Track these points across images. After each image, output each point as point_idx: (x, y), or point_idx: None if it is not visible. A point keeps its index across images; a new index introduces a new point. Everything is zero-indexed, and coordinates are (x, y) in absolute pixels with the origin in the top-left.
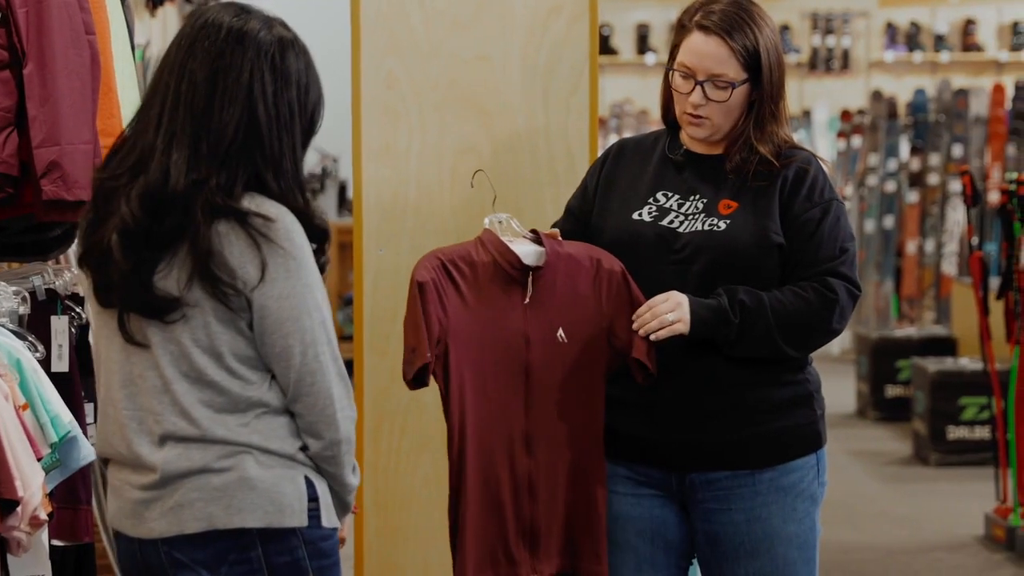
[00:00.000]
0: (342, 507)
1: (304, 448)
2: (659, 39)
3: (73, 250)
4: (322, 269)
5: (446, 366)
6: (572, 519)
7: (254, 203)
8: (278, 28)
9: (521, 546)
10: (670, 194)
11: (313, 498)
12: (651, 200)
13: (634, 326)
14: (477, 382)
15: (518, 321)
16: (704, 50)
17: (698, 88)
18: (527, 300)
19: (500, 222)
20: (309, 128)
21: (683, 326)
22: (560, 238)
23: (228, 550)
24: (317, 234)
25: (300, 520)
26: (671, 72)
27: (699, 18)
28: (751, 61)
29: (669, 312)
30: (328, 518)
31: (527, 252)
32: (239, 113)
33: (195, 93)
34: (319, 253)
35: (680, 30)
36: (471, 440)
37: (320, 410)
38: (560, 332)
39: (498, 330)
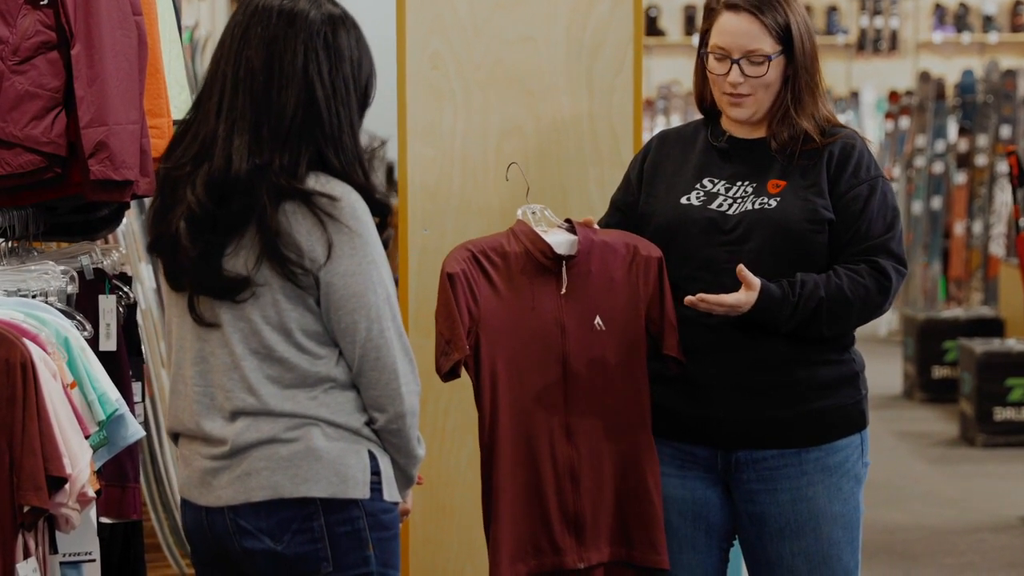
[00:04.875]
0: (406, 480)
1: (369, 423)
2: None
3: (121, 230)
4: (385, 244)
5: (477, 356)
6: (623, 508)
7: (319, 183)
8: (327, 6)
9: (566, 534)
10: (716, 180)
11: (376, 472)
12: (698, 186)
13: (688, 300)
14: (510, 372)
15: (553, 310)
16: (736, 28)
17: (735, 67)
18: (563, 290)
19: (534, 213)
20: (363, 101)
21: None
22: (596, 226)
23: (292, 519)
24: (379, 208)
25: (363, 492)
26: (706, 55)
27: None
28: (783, 34)
29: (726, 311)
30: (389, 492)
31: (560, 241)
32: (297, 94)
33: (253, 79)
34: (381, 227)
35: (709, 14)
36: (503, 430)
37: (385, 384)
38: (597, 320)
39: (533, 320)
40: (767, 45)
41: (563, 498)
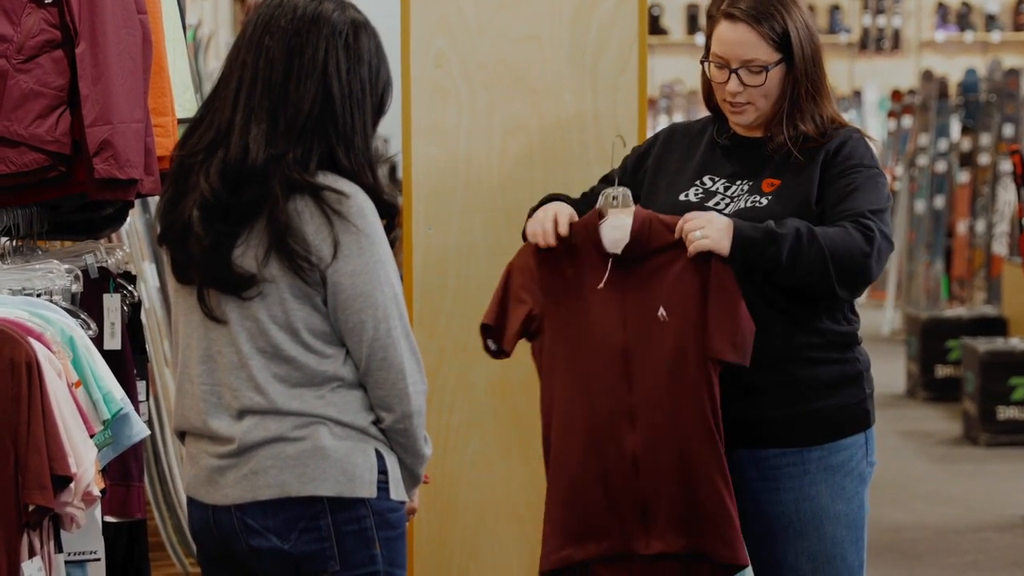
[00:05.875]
0: (412, 479)
1: (376, 422)
2: None
3: (125, 228)
4: (392, 244)
5: (542, 345)
6: (689, 498)
7: (328, 180)
8: (351, 11)
9: (634, 520)
10: (716, 178)
11: (383, 471)
12: (697, 183)
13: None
14: (571, 361)
15: (613, 302)
16: (733, 38)
17: (733, 76)
18: (603, 283)
19: (615, 198)
20: (379, 107)
21: (711, 243)
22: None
23: (299, 518)
24: (387, 209)
25: (370, 491)
26: (707, 63)
27: (725, 6)
28: (781, 41)
29: (696, 229)
30: (396, 491)
31: (618, 237)
32: (315, 89)
33: (272, 69)
34: (389, 228)
35: (710, 21)
36: (557, 417)
37: (392, 383)
38: (661, 311)
39: (594, 311)
40: (764, 54)
41: (629, 485)
